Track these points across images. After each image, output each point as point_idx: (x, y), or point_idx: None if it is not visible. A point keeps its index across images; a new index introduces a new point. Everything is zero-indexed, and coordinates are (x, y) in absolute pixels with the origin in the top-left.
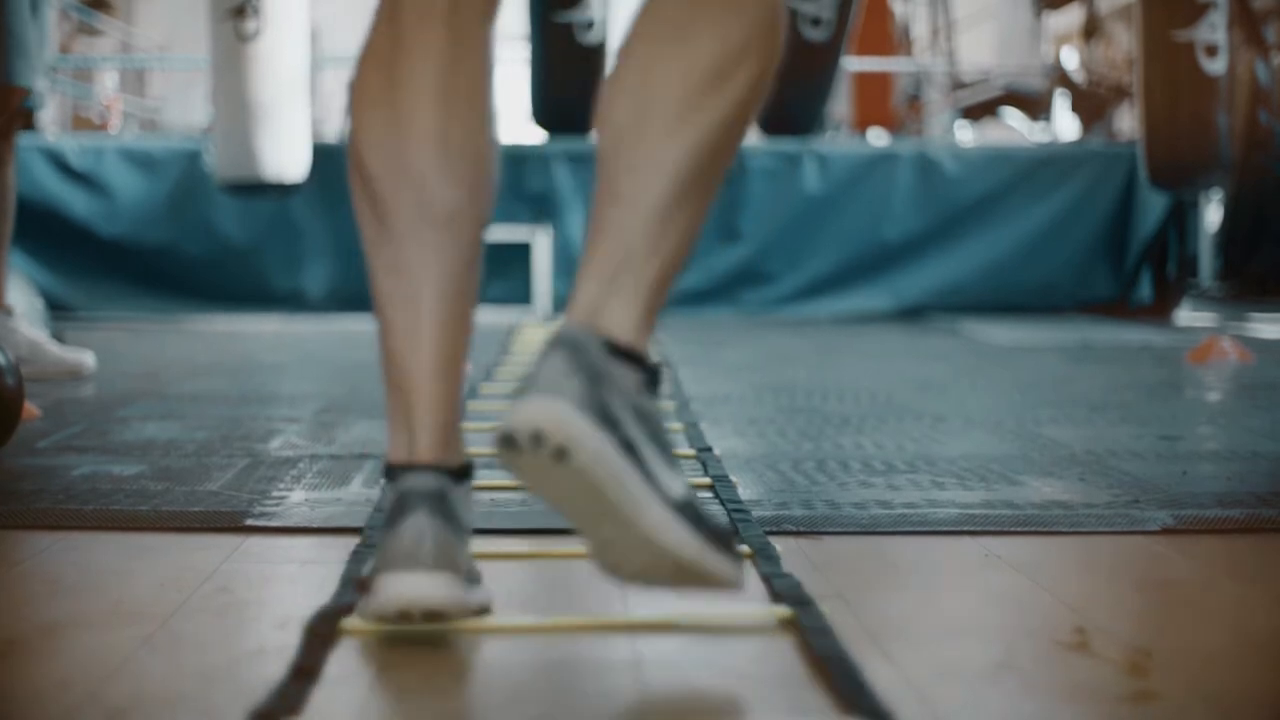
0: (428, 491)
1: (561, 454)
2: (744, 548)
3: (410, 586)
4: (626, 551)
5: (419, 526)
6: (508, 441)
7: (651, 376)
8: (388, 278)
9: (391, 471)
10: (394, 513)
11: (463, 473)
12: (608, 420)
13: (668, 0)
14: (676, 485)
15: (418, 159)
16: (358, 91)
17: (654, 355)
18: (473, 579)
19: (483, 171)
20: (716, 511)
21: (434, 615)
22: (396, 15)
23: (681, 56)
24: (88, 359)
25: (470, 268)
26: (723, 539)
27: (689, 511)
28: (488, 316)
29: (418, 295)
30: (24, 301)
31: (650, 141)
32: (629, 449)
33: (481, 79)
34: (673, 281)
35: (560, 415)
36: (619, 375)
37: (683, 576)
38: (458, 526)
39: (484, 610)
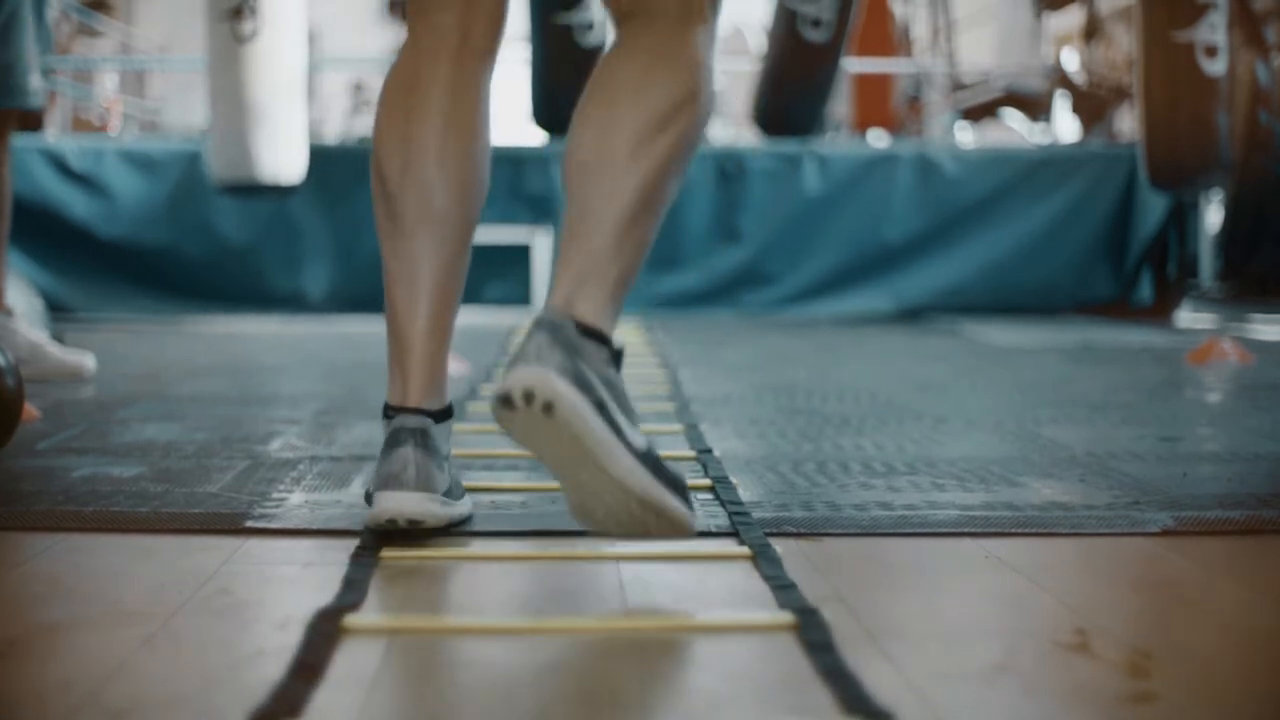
0: (414, 429)
1: (548, 408)
2: (744, 549)
3: (396, 502)
4: (599, 494)
5: (405, 456)
6: (505, 401)
7: (616, 354)
8: (395, 260)
9: (388, 410)
10: (388, 444)
11: (443, 414)
12: (583, 384)
13: (625, 64)
14: (639, 439)
15: (423, 170)
16: (381, 114)
17: (617, 342)
18: (454, 494)
19: (474, 179)
20: (716, 513)
21: (415, 522)
22: (416, 50)
23: (636, 106)
24: (88, 360)
25: (459, 255)
26: (679, 485)
27: (649, 460)
28: (487, 317)
29: (418, 274)
30: (24, 302)
31: (612, 172)
32: (601, 407)
33: (478, 106)
34: (630, 284)
35: (546, 378)
36: (590, 350)
37: (645, 516)
38: (437, 455)
39: (462, 520)
